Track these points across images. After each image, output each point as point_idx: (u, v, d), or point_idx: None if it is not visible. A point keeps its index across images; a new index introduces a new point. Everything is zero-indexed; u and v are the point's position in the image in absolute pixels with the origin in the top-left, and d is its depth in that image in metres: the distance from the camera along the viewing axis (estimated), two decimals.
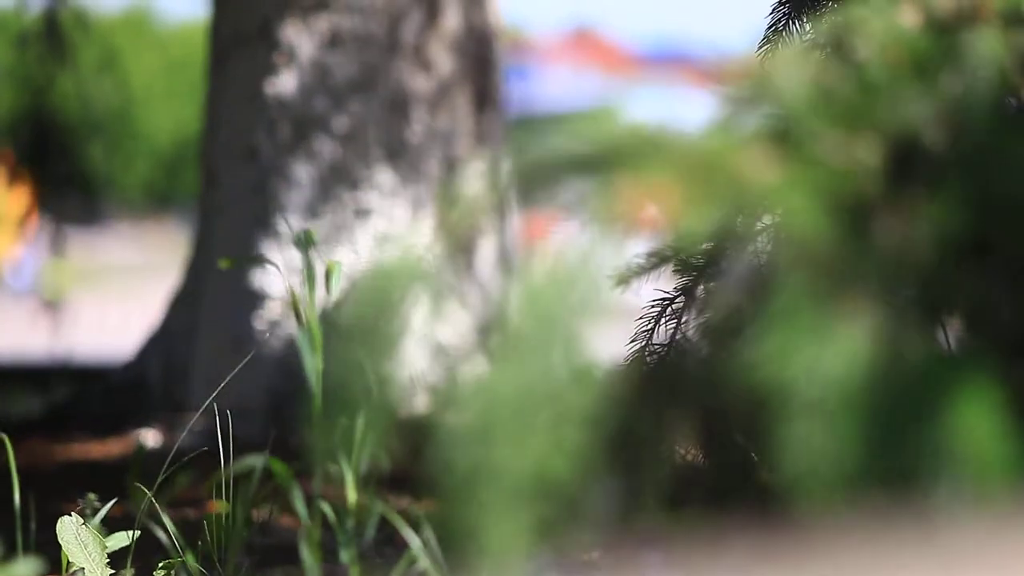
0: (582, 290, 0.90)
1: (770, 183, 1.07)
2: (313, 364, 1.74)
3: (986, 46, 1.26)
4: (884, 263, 1.04)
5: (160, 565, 2.02)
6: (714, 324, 1.19)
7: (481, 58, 3.92)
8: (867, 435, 0.93)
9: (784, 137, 1.29)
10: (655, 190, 1.01)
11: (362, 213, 3.67)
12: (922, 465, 0.95)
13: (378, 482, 1.79)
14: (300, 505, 1.75)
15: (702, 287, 1.32)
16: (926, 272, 1.05)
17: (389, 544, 2.05)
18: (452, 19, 3.84)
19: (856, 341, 0.92)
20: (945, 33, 1.50)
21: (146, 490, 2.05)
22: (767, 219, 1.06)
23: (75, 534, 1.97)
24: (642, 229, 0.98)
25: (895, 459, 0.95)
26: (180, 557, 1.98)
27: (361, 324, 1.05)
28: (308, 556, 1.76)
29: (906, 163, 1.30)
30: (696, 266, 1.28)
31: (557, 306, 0.90)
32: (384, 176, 3.71)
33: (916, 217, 1.14)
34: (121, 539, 2.03)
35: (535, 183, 1.11)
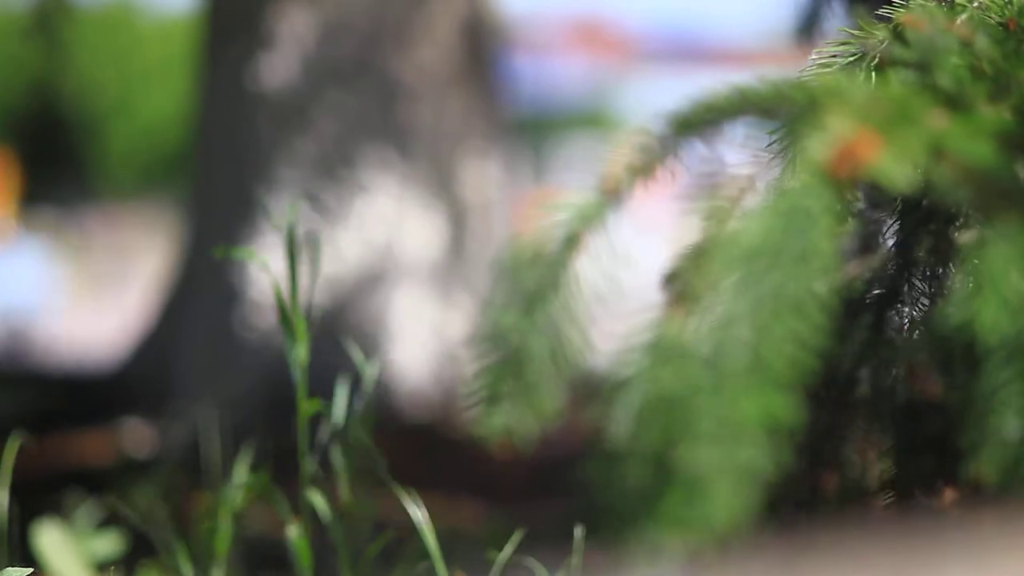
0: (799, 230, 0.89)
1: (960, 130, 1.07)
2: (297, 356, 1.74)
3: None
4: None
5: (138, 569, 2.01)
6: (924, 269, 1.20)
7: (477, 47, 3.91)
8: None
9: (939, 94, 1.30)
10: (847, 136, 1.00)
11: (353, 203, 3.65)
12: None
13: (375, 481, 1.79)
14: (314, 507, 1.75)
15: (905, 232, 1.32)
16: None
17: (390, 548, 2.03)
18: (446, 7, 3.83)
19: None
20: None
21: (133, 490, 2.05)
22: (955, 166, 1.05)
23: (54, 539, 1.96)
24: (841, 173, 0.97)
25: None
26: (165, 558, 1.97)
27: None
28: (299, 559, 1.76)
29: None
30: (902, 210, 1.28)
31: (773, 247, 0.89)
32: (376, 166, 3.70)
33: None
34: (101, 544, 2.02)
35: (698, 126, 1.10)
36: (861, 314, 1.49)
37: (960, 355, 1.14)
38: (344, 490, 1.77)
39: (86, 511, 2.12)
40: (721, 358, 0.89)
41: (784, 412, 0.88)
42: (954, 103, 1.28)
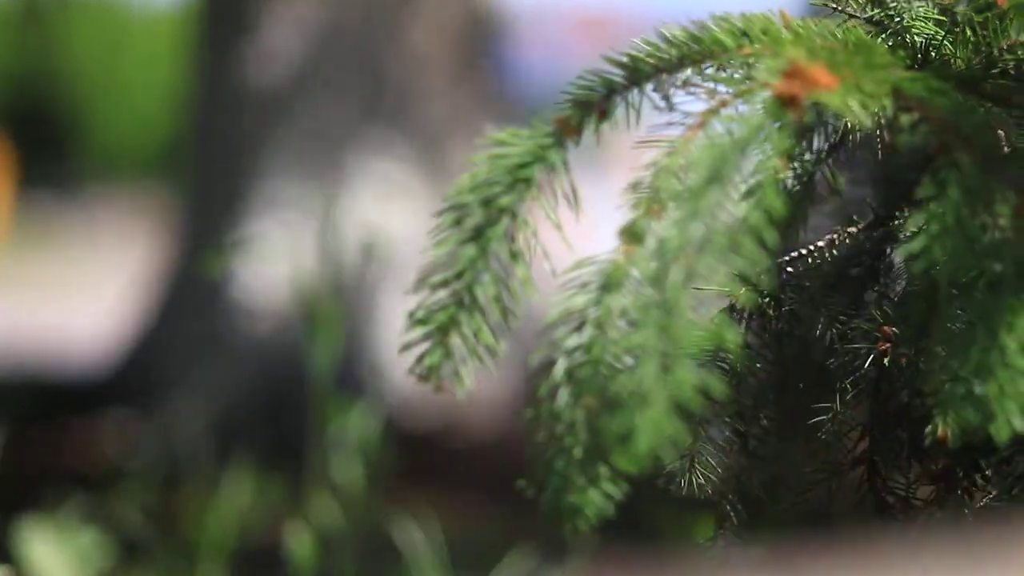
0: (740, 151, 0.89)
1: (922, 75, 1.07)
2: (315, 352, 1.73)
3: None
4: None
5: (127, 570, 2.02)
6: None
7: (473, 37, 3.93)
8: None
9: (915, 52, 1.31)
10: (802, 65, 1.00)
11: (344, 196, 3.66)
12: None
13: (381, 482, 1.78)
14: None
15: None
16: None
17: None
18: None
19: None
20: None
21: (123, 490, 2.05)
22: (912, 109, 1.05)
23: (39, 539, 1.97)
24: (792, 97, 0.97)
25: None
26: (154, 559, 1.98)
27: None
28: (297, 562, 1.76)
29: None
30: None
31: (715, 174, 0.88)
32: (370, 157, 3.71)
33: None
34: (88, 544, 2.03)
35: (656, 67, 1.09)
36: (840, 288, 1.49)
37: (919, 309, 1.14)
38: (346, 491, 1.77)
39: (74, 511, 2.12)
40: (660, 284, 0.89)
41: (721, 337, 0.88)
42: (924, 60, 1.28)
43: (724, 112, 1.01)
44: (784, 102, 0.93)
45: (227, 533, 1.93)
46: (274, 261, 3.56)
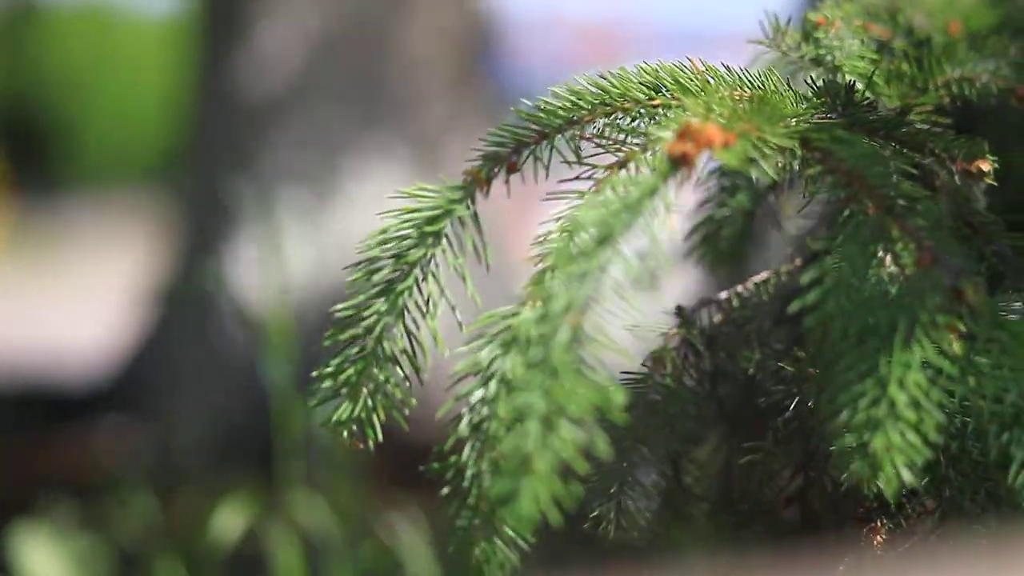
0: (639, 221, 0.92)
1: (825, 123, 1.10)
2: (273, 364, 1.76)
3: None
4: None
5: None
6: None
7: (467, 45, 3.96)
8: None
9: (838, 93, 1.33)
10: (692, 133, 1.03)
11: (339, 202, 3.70)
12: None
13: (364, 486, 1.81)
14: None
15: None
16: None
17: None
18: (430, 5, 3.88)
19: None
20: (1000, 4, 1.57)
21: (117, 500, 2.07)
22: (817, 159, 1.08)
23: (34, 547, 2.00)
24: (684, 157, 1.00)
25: None
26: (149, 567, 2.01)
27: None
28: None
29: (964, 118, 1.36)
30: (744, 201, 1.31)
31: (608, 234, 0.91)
32: (361, 163, 3.74)
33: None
34: (83, 553, 2.06)
35: (564, 119, 1.12)
36: (780, 325, 1.51)
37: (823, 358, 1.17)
38: (331, 497, 1.80)
39: (70, 518, 2.16)
40: (546, 344, 0.92)
41: (607, 399, 0.90)
42: (850, 101, 1.31)
43: (622, 171, 1.04)
44: (676, 161, 0.96)
45: (223, 540, 1.96)
46: (270, 268, 3.59)
